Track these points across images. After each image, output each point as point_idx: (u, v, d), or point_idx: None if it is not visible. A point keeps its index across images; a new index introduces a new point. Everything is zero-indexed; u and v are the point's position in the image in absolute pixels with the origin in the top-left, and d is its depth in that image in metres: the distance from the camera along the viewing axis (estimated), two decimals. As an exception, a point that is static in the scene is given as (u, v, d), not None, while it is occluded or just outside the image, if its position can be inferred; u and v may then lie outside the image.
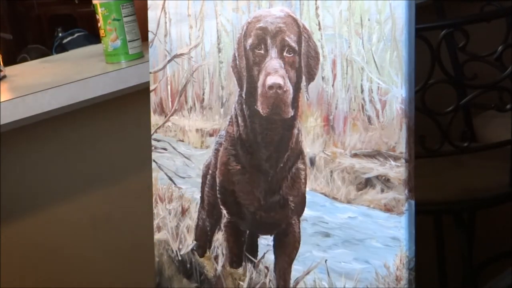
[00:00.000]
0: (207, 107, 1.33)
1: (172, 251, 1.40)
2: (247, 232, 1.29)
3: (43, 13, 4.70)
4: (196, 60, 1.34)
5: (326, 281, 1.18)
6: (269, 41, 1.20)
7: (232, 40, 1.27)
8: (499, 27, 1.72)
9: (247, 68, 1.23)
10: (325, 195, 1.18)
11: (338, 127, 1.15)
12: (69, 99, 1.62)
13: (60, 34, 3.37)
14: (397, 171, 1.09)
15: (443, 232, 2.12)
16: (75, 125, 1.75)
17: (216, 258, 1.33)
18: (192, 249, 1.37)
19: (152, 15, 1.40)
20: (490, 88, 1.70)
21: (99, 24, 1.74)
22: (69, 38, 3.21)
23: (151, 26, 1.40)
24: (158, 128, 1.41)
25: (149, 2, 1.40)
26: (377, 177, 1.12)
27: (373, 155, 1.12)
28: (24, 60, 3.04)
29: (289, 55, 1.19)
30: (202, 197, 1.35)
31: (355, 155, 1.14)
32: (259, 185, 1.25)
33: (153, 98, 1.41)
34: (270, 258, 1.26)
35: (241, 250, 1.29)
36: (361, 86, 1.12)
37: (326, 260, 1.18)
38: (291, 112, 1.20)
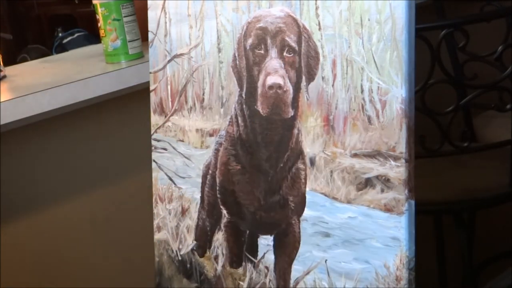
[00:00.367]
0: (207, 107, 1.33)
1: (172, 251, 1.40)
2: (247, 232, 1.29)
3: (43, 13, 4.70)
4: (196, 60, 1.34)
5: (326, 281, 1.18)
6: (269, 41, 1.20)
7: (232, 40, 1.27)
8: (499, 27, 1.72)
9: (247, 68, 1.23)
10: (325, 195, 1.18)
11: (338, 127, 1.15)
12: (69, 99, 1.62)
13: (60, 34, 3.37)
14: (397, 171, 1.09)
15: (443, 232, 2.12)
16: (75, 125, 1.75)
17: (216, 258, 1.33)
18: (192, 249, 1.37)
19: (152, 15, 1.40)
20: (490, 88, 1.70)
21: (99, 24, 1.74)
22: (69, 38, 3.21)
23: (151, 26, 1.40)
24: (158, 128, 1.41)
25: (149, 2, 1.40)
26: (377, 177, 1.12)
27: (373, 155, 1.12)
28: (24, 60, 3.04)
29: (289, 55, 1.19)
30: (202, 197, 1.35)
31: (355, 155, 1.14)
32: (259, 185, 1.25)
33: (153, 98, 1.41)
34: (270, 258, 1.26)
35: (241, 250, 1.29)
36: (361, 86, 1.12)
37: (326, 260, 1.18)
38: (291, 112, 1.20)
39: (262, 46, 1.21)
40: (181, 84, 1.37)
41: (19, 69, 1.95)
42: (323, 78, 1.17)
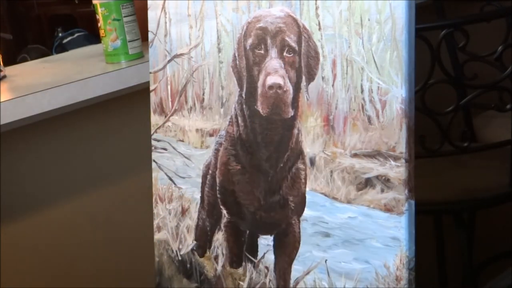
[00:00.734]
0: (207, 107, 1.33)
1: (172, 251, 1.40)
2: (247, 232, 1.29)
3: (43, 13, 4.70)
4: (196, 60, 1.34)
5: (326, 281, 1.18)
6: (269, 41, 1.20)
7: (232, 40, 1.27)
8: (499, 27, 1.72)
9: (247, 68, 1.23)
10: (325, 195, 1.18)
11: (338, 127, 1.15)
12: (69, 99, 1.62)
13: (60, 34, 3.37)
14: (397, 171, 1.09)
15: (443, 232, 2.12)
16: (75, 125, 1.75)
17: (216, 258, 1.33)
18: (192, 249, 1.37)
19: (152, 15, 1.40)
20: (490, 88, 1.70)
21: (99, 24, 1.74)
22: (69, 38, 3.21)
23: (151, 26, 1.40)
24: (158, 128, 1.41)
25: (149, 2, 1.40)
26: (377, 177, 1.12)
27: (373, 155, 1.12)
28: (24, 60, 3.04)
29: (289, 55, 1.19)
30: (202, 197, 1.35)
31: (355, 155, 1.14)
32: (259, 185, 1.25)
33: (153, 98, 1.41)
34: (270, 258, 1.26)
35: (241, 250, 1.29)
36: (361, 86, 1.12)
37: (326, 260, 1.18)
38: (291, 112, 1.20)
39: (262, 46, 1.21)
40: (181, 84, 1.37)
41: (19, 69, 1.95)
42: (323, 78, 1.17)
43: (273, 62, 1.20)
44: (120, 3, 1.72)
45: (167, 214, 1.41)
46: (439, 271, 2.15)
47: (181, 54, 1.36)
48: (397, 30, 1.07)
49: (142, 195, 1.68)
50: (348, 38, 1.13)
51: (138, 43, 1.76)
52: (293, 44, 1.19)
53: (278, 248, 1.25)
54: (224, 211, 1.30)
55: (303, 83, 1.19)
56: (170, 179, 1.40)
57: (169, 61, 1.38)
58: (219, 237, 1.32)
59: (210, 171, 1.33)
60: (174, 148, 1.40)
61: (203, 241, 1.35)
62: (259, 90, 1.21)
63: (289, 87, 1.19)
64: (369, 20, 1.10)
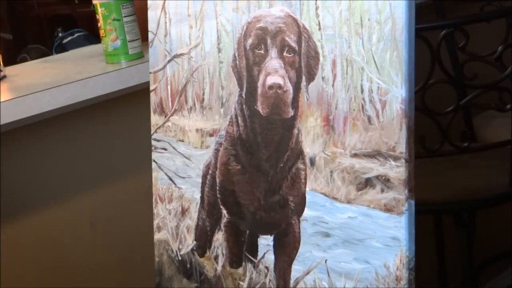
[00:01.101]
0: (207, 107, 1.33)
1: (172, 251, 1.40)
2: (247, 232, 1.29)
3: (43, 13, 4.69)
4: (196, 60, 1.34)
5: (326, 281, 1.18)
6: (269, 41, 1.20)
7: (232, 40, 1.27)
8: (499, 27, 1.72)
9: (247, 68, 1.23)
10: (325, 195, 1.18)
11: (338, 127, 1.15)
12: (69, 99, 1.62)
13: (60, 34, 3.37)
14: (397, 171, 1.09)
15: (443, 232, 2.12)
16: (75, 125, 1.75)
17: (216, 258, 1.33)
18: (192, 249, 1.37)
19: (152, 15, 1.40)
20: (490, 88, 1.70)
21: (99, 24, 1.74)
22: (69, 38, 3.21)
23: (151, 26, 1.40)
24: (158, 128, 1.41)
25: (149, 2, 1.40)
26: (377, 177, 1.12)
27: (373, 155, 1.12)
28: (24, 60, 3.04)
29: (289, 55, 1.19)
30: (202, 197, 1.35)
31: (355, 155, 1.14)
32: (259, 185, 1.25)
33: (153, 98, 1.41)
34: (270, 258, 1.26)
35: (241, 250, 1.29)
36: (361, 86, 1.12)
37: (326, 260, 1.18)
38: (291, 112, 1.20)
39: (262, 46, 1.21)
40: (181, 84, 1.37)
41: (19, 69, 1.95)
42: (323, 78, 1.17)
43: (273, 62, 1.20)
44: (120, 3, 1.72)
45: (167, 214, 1.41)
46: (439, 271, 2.15)
47: (181, 54, 1.36)
48: (397, 30, 1.07)
49: (142, 195, 1.68)
50: (348, 38, 1.13)
51: (138, 43, 1.76)
52: (293, 44, 1.19)
53: (278, 248, 1.25)
54: (224, 211, 1.30)
55: (303, 83, 1.19)
56: (170, 179, 1.40)
57: (169, 61, 1.38)
58: (219, 237, 1.32)
59: (210, 171, 1.33)
60: (174, 148, 1.40)
61: (203, 241, 1.35)
62: (259, 90, 1.21)
63: (289, 87, 1.19)
64: (369, 20, 1.10)
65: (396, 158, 1.09)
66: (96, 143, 1.79)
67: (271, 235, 1.26)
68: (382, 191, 1.11)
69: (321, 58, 1.17)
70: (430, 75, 1.65)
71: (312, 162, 1.19)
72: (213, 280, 1.33)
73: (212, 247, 1.33)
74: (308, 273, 1.20)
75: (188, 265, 1.38)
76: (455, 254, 1.97)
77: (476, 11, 2.21)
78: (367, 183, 1.13)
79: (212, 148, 1.32)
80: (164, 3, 1.37)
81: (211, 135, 1.33)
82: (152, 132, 1.43)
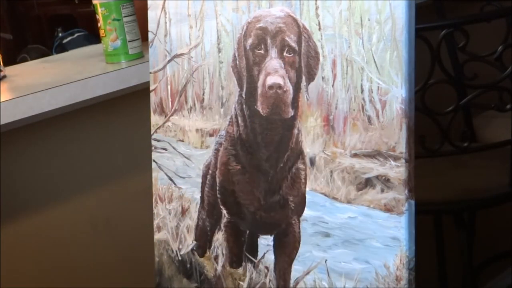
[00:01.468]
0: (207, 107, 1.33)
1: (172, 251, 1.40)
2: (247, 232, 1.29)
3: (43, 13, 4.69)
4: (196, 60, 1.34)
5: (326, 281, 1.18)
6: (269, 41, 1.20)
7: (232, 40, 1.27)
8: (499, 27, 1.72)
9: (247, 68, 1.23)
10: (325, 195, 1.18)
11: (338, 127, 1.15)
12: (69, 99, 1.62)
13: (60, 34, 3.37)
14: (397, 171, 1.09)
15: (443, 232, 2.12)
16: (75, 125, 1.75)
17: (216, 258, 1.33)
18: (192, 249, 1.37)
19: (152, 15, 1.40)
20: (490, 88, 1.70)
21: (99, 24, 1.74)
22: (69, 38, 3.21)
23: (151, 26, 1.40)
24: (158, 128, 1.41)
25: (149, 2, 1.40)
26: (377, 177, 1.12)
27: (373, 155, 1.12)
28: (24, 60, 3.04)
29: (289, 55, 1.19)
30: (202, 197, 1.35)
31: (355, 155, 1.14)
32: (259, 185, 1.25)
33: (153, 98, 1.41)
34: (270, 258, 1.26)
35: (241, 250, 1.29)
36: (361, 86, 1.12)
37: (326, 260, 1.18)
38: (291, 112, 1.20)
39: (262, 46, 1.21)
40: (181, 84, 1.37)
41: (19, 69, 1.95)
42: (323, 78, 1.17)
43: (273, 62, 1.20)
44: (120, 3, 1.72)
45: (167, 214, 1.41)
46: (439, 271, 2.15)
47: (181, 54, 1.36)
48: (397, 30, 1.07)
49: (142, 195, 1.68)
50: (348, 38, 1.13)
51: (138, 43, 1.76)
52: (293, 44, 1.19)
53: (278, 248, 1.25)
54: (224, 211, 1.30)
55: (303, 83, 1.19)
56: (170, 179, 1.40)
57: (169, 61, 1.38)
58: (219, 237, 1.32)
59: (210, 171, 1.33)
60: (174, 148, 1.40)
61: (203, 241, 1.35)
62: (259, 90, 1.21)
63: (289, 87, 1.19)
64: (369, 20, 1.10)
65: (396, 158, 1.09)
66: (96, 143, 1.79)
67: (271, 235, 1.26)
68: (382, 191, 1.11)
69: (321, 58, 1.17)
70: (430, 75, 1.65)
71: (312, 162, 1.19)
72: (213, 280, 1.34)
73: (212, 247, 1.33)
74: (308, 273, 1.20)
75: (188, 265, 1.38)
76: (455, 254, 1.97)
77: (476, 11, 2.21)
78: (367, 183, 1.13)
79: (212, 148, 1.32)
80: (164, 3, 1.37)
81: (211, 135, 1.33)
82: (152, 132, 1.43)
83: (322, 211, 1.18)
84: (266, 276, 1.26)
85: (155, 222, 1.43)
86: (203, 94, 1.33)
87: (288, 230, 1.23)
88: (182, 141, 1.38)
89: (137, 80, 1.70)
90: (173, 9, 1.36)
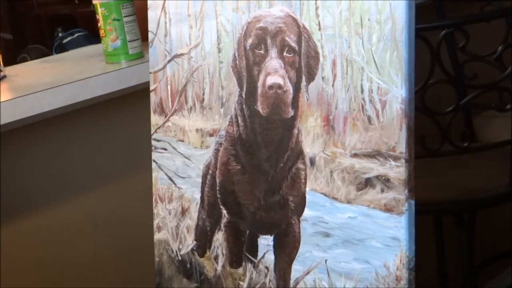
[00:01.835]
0: (207, 107, 1.33)
1: (172, 251, 1.40)
2: (247, 232, 1.29)
3: (43, 13, 4.69)
4: (196, 60, 1.34)
5: (326, 281, 1.18)
6: (269, 41, 1.20)
7: (232, 40, 1.27)
8: (499, 27, 1.72)
9: (247, 68, 1.23)
10: (325, 195, 1.18)
11: (338, 127, 1.15)
12: (69, 99, 1.62)
13: (60, 34, 3.37)
14: (397, 171, 1.09)
15: (443, 232, 2.12)
16: (75, 125, 1.75)
17: (216, 258, 1.33)
18: (192, 249, 1.37)
19: (152, 15, 1.40)
20: (490, 88, 1.70)
21: (99, 24, 1.74)
22: (69, 38, 3.21)
23: (151, 26, 1.40)
24: (158, 128, 1.41)
25: (149, 2, 1.40)
26: (377, 177, 1.12)
27: (373, 155, 1.12)
28: (24, 60, 3.04)
29: (289, 55, 1.19)
30: (202, 197, 1.35)
31: (355, 155, 1.14)
32: (259, 185, 1.25)
33: (153, 98, 1.41)
34: (270, 258, 1.26)
35: (241, 250, 1.29)
36: (361, 86, 1.12)
37: (326, 260, 1.18)
38: (291, 112, 1.20)
39: (262, 46, 1.21)
40: (181, 84, 1.37)
41: (19, 69, 1.95)
42: (323, 78, 1.17)
43: (273, 62, 1.20)
44: (120, 3, 1.72)
45: (167, 214, 1.41)
46: (439, 271, 2.15)
47: (181, 54, 1.36)
48: (397, 30, 1.07)
49: (142, 195, 1.68)
50: (348, 38, 1.13)
51: (138, 43, 1.76)
52: (293, 44, 1.19)
53: (278, 248, 1.25)
54: (224, 211, 1.30)
55: (303, 83, 1.19)
56: (170, 179, 1.40)
57: (169, 61, 1.38)
58: (219, 237, 1.32)
59: (210, 171, 1.33)
60: (174, 148, 1.40)
61: (203, 241, 1.35)
62: (259, 90, 1.21)
63: (289, 87, 1.19)
64: (369, 20, 1.10)
65: (396, 158, 1.09)
66: (96, 143, 1.79)
67: (271, 235, 1.26)
68: (382, 191, 1.11)
69: (321, 58, 1.17)
70: (430, 75, 1.65)
71: (312, 162, 1.19)
72: (213, 280, 1.34)
73: (212, 247, 1.33)
74: (308, 273, 1.20)
75: (188, 265, 1.38)
76: (455, 254, 1.97)
77: (476, 11, 2.21)
78: (367, 183, 1.13)
79: (212, 148, 1.32)
80: (164, 3, 1.37)
81: (211, 135, 1.33)
82: (152, 132, 1.43)
83: (322, 211, 1.19)
84: (266, 276, 1.26)
85: (155, 222, 1.43)
86: (203, 94, 1.33)
87: (288, 230, 1.23)
88: (182, 141, 1.38)
89: (137, 80, 1.70)
90: (173, 9, 1.36)
